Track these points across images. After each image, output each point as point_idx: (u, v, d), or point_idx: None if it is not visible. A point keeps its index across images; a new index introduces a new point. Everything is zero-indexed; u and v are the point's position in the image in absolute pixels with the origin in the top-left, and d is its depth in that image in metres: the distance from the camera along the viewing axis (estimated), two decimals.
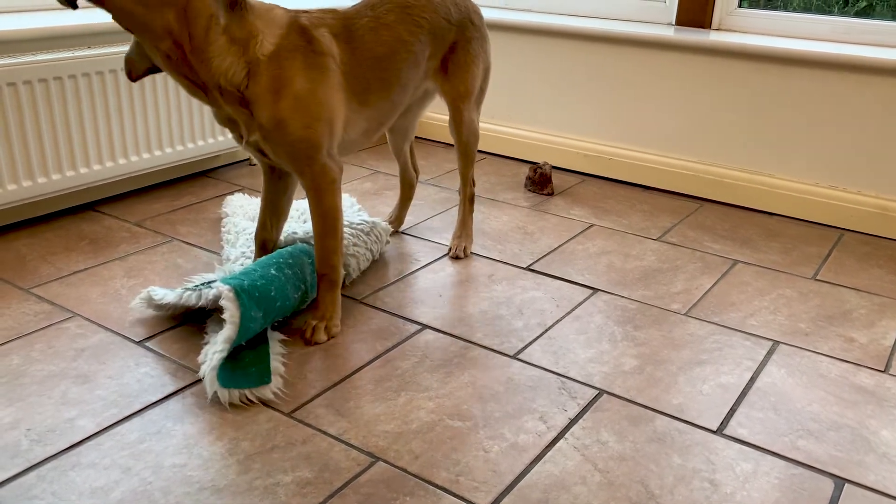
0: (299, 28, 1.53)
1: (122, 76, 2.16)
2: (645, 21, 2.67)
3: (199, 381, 1.47)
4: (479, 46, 1.92)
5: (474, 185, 2.08)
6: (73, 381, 1.46)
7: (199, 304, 1.58)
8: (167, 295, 1.63)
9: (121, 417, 1.36)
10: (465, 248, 2.05)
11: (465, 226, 2.08)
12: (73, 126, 2.08)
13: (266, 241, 1.80)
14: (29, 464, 1.24)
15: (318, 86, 1.52)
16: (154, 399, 1.42)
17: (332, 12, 1.63)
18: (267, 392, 1.42)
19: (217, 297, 1.52)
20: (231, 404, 1.40)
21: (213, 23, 1.41)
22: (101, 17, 2.22)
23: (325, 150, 1.56)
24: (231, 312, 1.46)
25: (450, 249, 2.06)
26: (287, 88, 1.48)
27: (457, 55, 1.87)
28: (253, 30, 1.46)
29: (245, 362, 1.47)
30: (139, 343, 1.59)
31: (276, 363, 1.50)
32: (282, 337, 1.62)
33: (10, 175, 1.97)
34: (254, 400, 1.41)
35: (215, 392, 1.40)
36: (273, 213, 1.78)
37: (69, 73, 2.03)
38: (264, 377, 1.45)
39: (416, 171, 2.19)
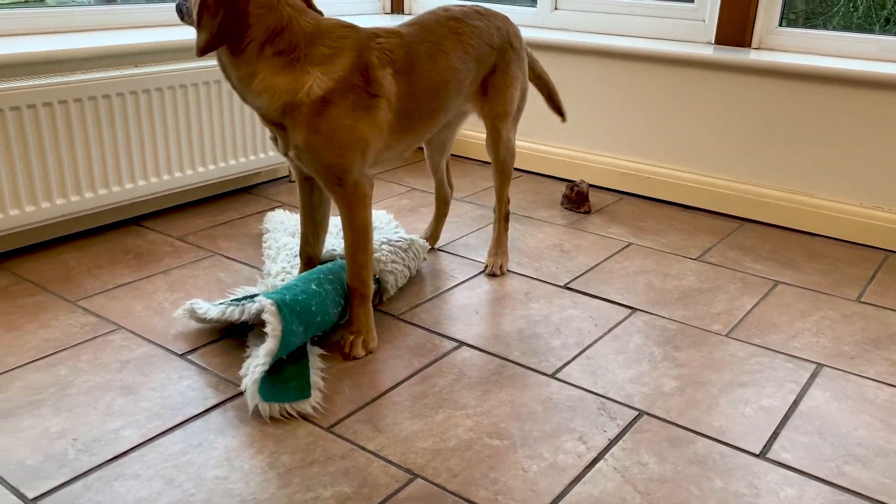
0: (363, 66, 1.54)
1: (168, 95, 2.21)
2: (684, 40, 2.66)
3: (241, 394, 1.49)
4: (517, 68, 1.94)
5: (509, 203, 2.09)
6: (118, 393, 1.48)
7: (242, 318, 1.60)
8: (210, 310, 1.66)
9: (164, 429, 1.38)
10: (501, 265, 2.05)
11: (500, 243, 2.09)
12: (120, 143, 2.13)
13: (310, 256, 1.83)
14: (75, 473, 1.27)
15: (359, 122, 1.54)
16: (196, 412, 1.44)
17: (398, 38, 1.64)
18: (306, 406, 1.43)
19: (259, 311, 1.55)
20: (271, 418, 1.41)
21: (230, 68, 1.51)
22: (149, 38, 2.28)
23: (356, 172, 1.57)
24: (273, 326, 1.48)
25: (486, 267, 2.06)
26: (326, 123, 1.50)
27: (496, 77, 1.89)
28: (304, 77, 1.49)
29: (285, 376, 1.49)
30: (182, 356, 1.62)
31: (315, 378, 1.51)
32: (321, 352, 1.63)
33: (59, 190, 2.03)
34: (293, 414, 1.43)
35: (256, 405, 1.42)
36: (312, 228, 1.81)
37: (117, 92, 2.09)
38: (304, 391, 1.46)
39: (450, 186, 2.20)
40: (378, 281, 1.83)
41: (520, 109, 2.01)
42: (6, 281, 1.92)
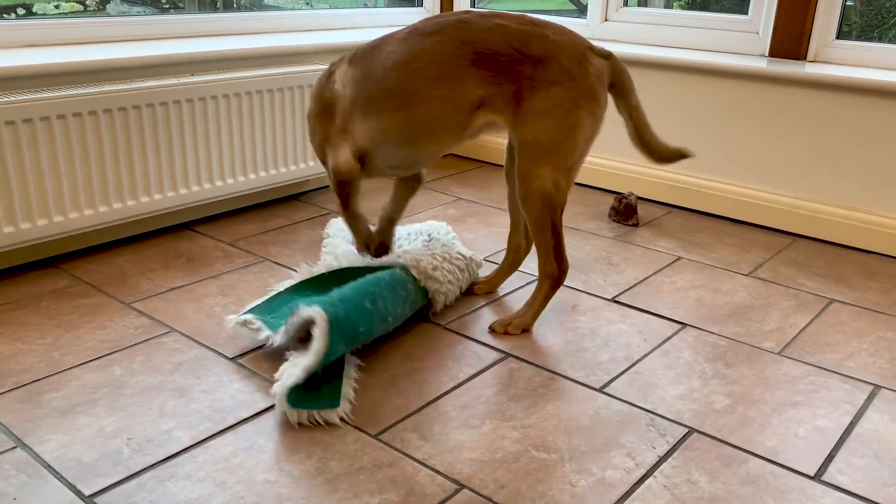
0: (326, 76, 1.84)
1: (222, 103, 2.26)
2: (737, 52, 2.62)
3: None
4: (565, 96, 1.62)
5: (562, 264, 1.74)
6: (170, 394, 1.51)
7: (288, 337, 1.58)
8: (262, 330, 1.65)
9: (215, 431, 1.40)
10: (513, 325, 1.78)
11: (532, 305, 1.80)
12: (175, 149, 2.18)
13: (383, 241, 2.05)
14: (129, 472, 1.29)
15: (317, 122, 1.85)
16: (246, 415, 1.46)
17: (378, 39, 1.78)
18: (333, 416, 1.44)
19: (309, 321, 1.54)
20: (320, 424, 1.43)
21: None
22: (204, 47, 2.33)
23: (328, 159, 1.84)
24: (318, 345, 1.46)
25: (493, 326, 1.80)
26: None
27: (534, 96, 1.63)
28: None
29: (316, 383, 1.49)
30: (232, 360, 1.64)
31: (346, 388, 1.51)
32: (358, 362, 1.63)
33: (116, 194, 2.08)
34: (320, 422, 1.43)
35: (293, 412, 1.43)
36: (388, 215, 2.03)
37: (173, 100, 2.14)
38: (333, 401, 1.46)
39: (527, 240, 1.94)
40: (428, 298, 1.83)
41: (560, 148, 1.65)
42: (64, 282, 1.98)
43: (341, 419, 1.44)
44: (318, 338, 1.48)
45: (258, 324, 1.67)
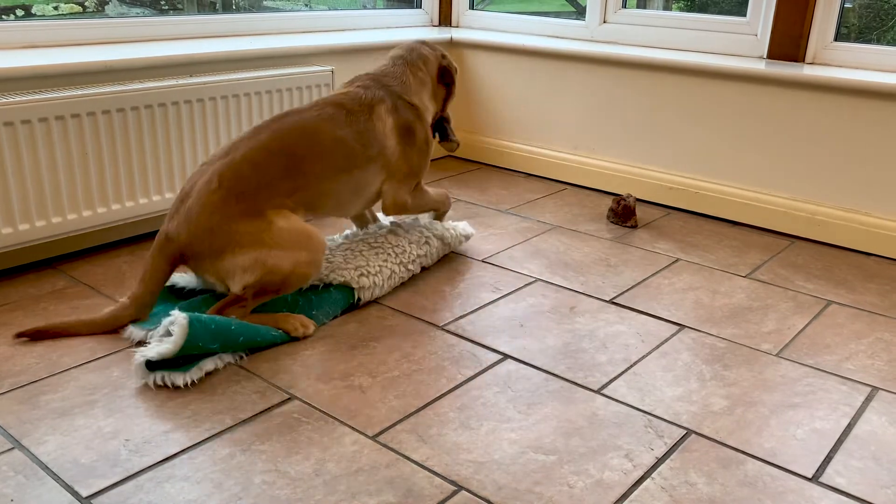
0: None
1: (221, 104, 2.26)
2: (736, 54, 2.63)
3: (288, 400, 1.50)
4: None
5: (251, 290, 1.69)
6: (167, 395, 1.51)
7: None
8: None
9: (213, 433, 1.40)
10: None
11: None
12: (175, 150, 2.18)
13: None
14: (127, 473, 1.29)
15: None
16: (244, 417, 1.45)
17: None
18: (179, 379, 1.51)
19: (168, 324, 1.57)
20: (318, 425, 1.43)
21: None
22: (202, 48, 2.33)
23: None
24: (176, 338, 1.51)
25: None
26: None
27: None
28: None
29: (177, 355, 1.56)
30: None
31: (209, 363, 1.57)
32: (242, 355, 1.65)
33: (115, 196, 2.08)
34: (168, 384, 1.52)
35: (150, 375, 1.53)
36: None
37: (173, 101, 2.14)
38: (188, 366, 1.54)
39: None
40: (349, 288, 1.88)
41: None
42: (62, 283, 1.97)
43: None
44: (176, 332, 1.53)
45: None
